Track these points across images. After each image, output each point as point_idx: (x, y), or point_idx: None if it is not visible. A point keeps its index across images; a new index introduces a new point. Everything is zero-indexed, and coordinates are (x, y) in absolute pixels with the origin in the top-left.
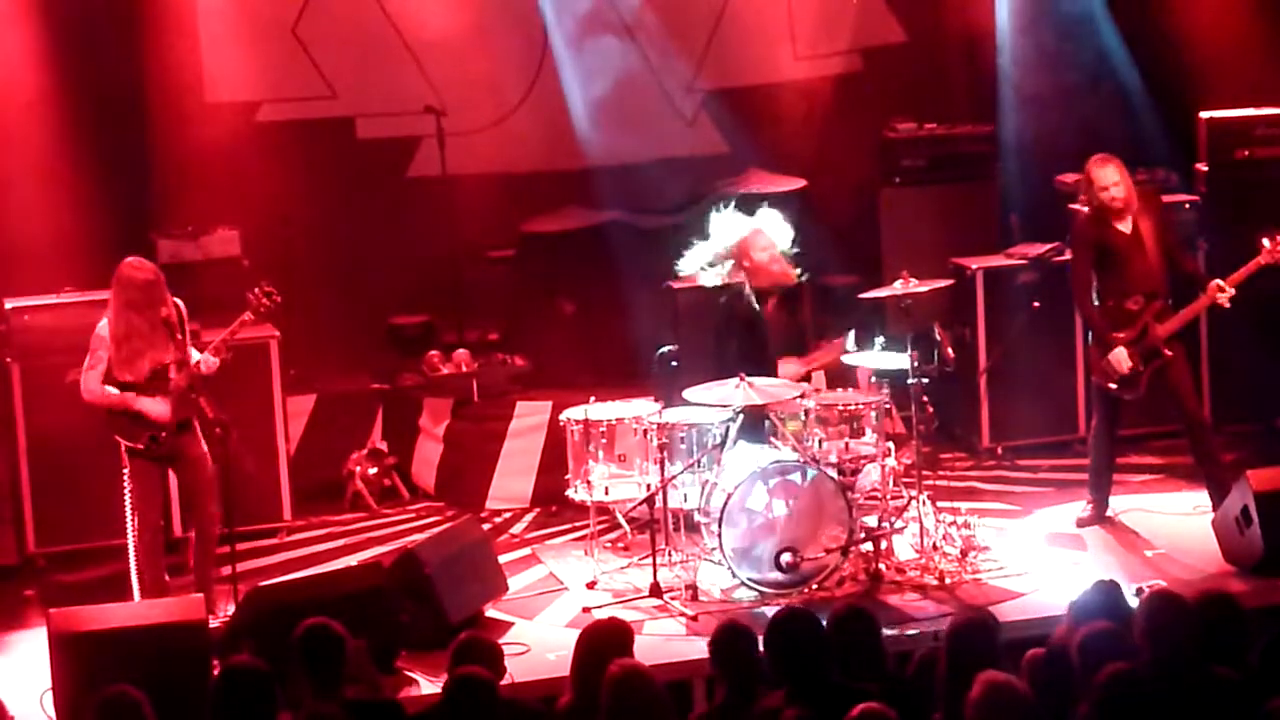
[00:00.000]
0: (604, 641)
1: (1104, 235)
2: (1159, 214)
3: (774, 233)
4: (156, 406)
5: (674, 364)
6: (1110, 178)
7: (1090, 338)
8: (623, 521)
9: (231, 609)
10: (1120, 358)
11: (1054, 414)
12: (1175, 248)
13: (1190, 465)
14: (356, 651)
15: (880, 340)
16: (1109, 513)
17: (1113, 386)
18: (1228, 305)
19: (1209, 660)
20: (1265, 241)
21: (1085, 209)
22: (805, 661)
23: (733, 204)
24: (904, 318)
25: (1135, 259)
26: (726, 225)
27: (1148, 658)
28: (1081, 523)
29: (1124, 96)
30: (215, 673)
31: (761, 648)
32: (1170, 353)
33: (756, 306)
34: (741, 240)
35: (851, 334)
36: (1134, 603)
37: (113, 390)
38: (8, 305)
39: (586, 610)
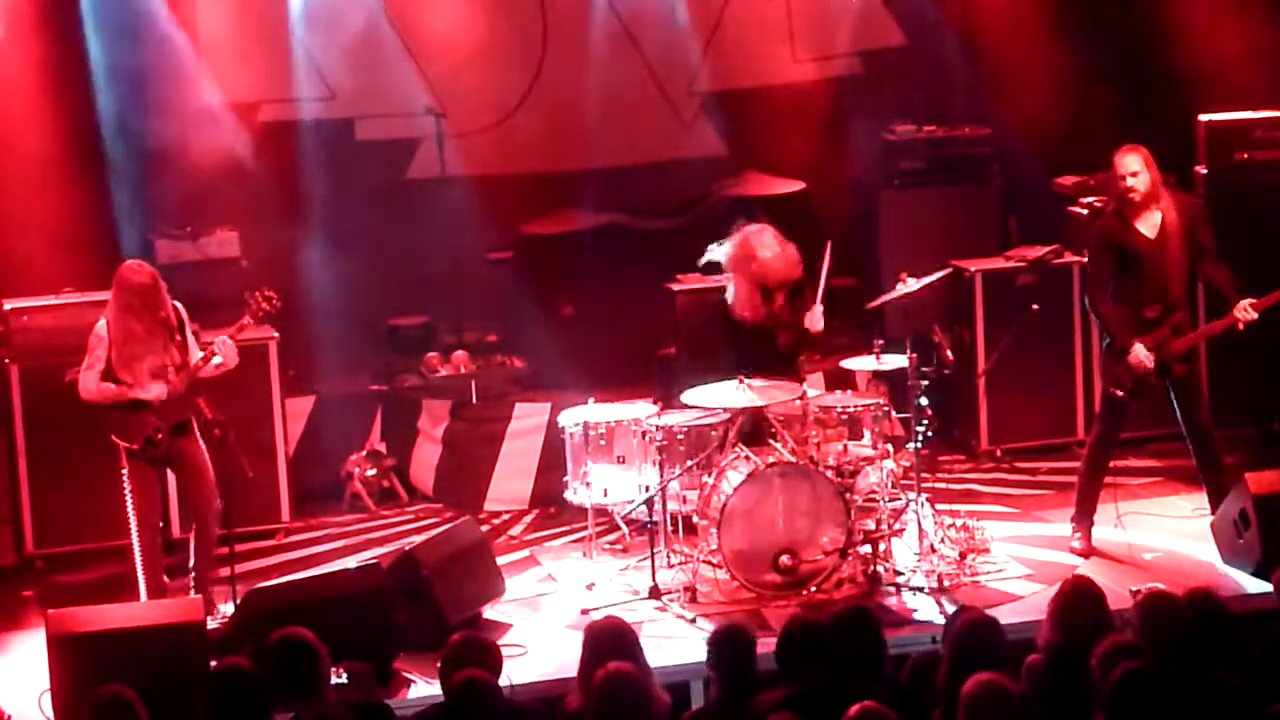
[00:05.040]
0: (607, 642)
1: (1125, 237)
2: (1191, 219)
3: (774, 235)
4: (152, 390)
5: (673, 366)
6: (1130, 166)
7: (1103, 343)
8: (621, 523)
9: (230, 610)
10: (1142, 354)
11: (1053, 416)
12: (1206, 257)
13: (1189, 468)
14: (362, 675)
15: (879, 342)
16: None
17: (1121, 394)
18: (1242, 328)
19: (1205, 662)
20: None
21: (1108, 206)
22: (812, 669)
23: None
24: (903, 319)
25: (1156, 266)
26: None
27: (1145, 658)
28: (1082, 554)
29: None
30: None
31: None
32: (1181, 370)
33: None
34: (744, 243)
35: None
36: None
37: (110, 386)
38: (7, 306)
39: (585, 612)
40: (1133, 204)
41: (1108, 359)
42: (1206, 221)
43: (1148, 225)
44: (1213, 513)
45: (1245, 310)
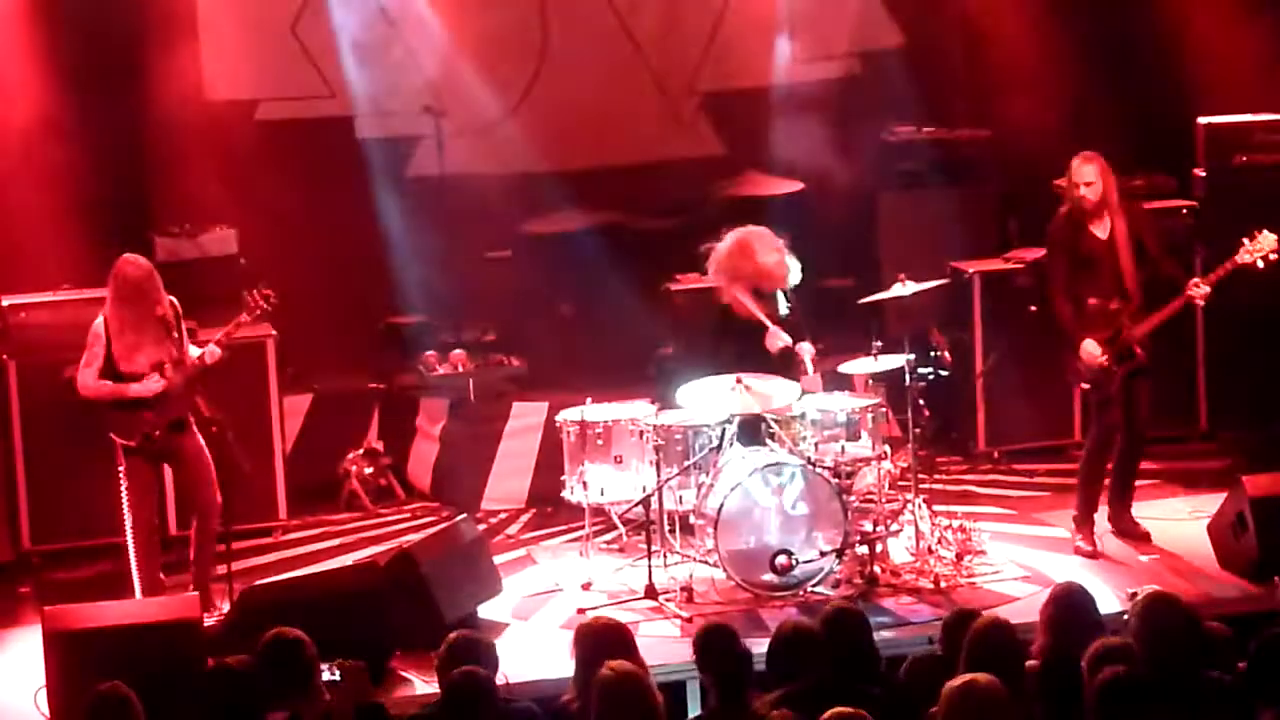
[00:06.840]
0: (602, 642)
1: (1079, 239)
2: (1136, 219)
3: (772, 238)
4: (149, 385)
5: (671, 366)
6: (1086, 176)
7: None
8: (618, 523)
9: (226, 608)
10: (1091, 348)
11: (1050, 418)
12: (1157, 254)
13: (1186, 470)
14: (354, 672)
15: (877, 343)
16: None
17: (1085, 386)
18: (1202, 303)
19: (1202, 664)
20: (1245, 241)
21: (1063, 209)
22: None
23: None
24: (902, 321)
25: (1111, 263)
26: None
27: (1144, 660)
28: (1090, 555)
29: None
30: None
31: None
32: (1141, 352)
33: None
34: (744, 244)
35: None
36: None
37: (106, 383)
38: (5, 302)
39: (581, 611)
40: (1085, 210)
41: (1069, 355)
42: (1153, 228)
43: (1100, 228)
44: (1110, 516)
45: (1197, 286)
